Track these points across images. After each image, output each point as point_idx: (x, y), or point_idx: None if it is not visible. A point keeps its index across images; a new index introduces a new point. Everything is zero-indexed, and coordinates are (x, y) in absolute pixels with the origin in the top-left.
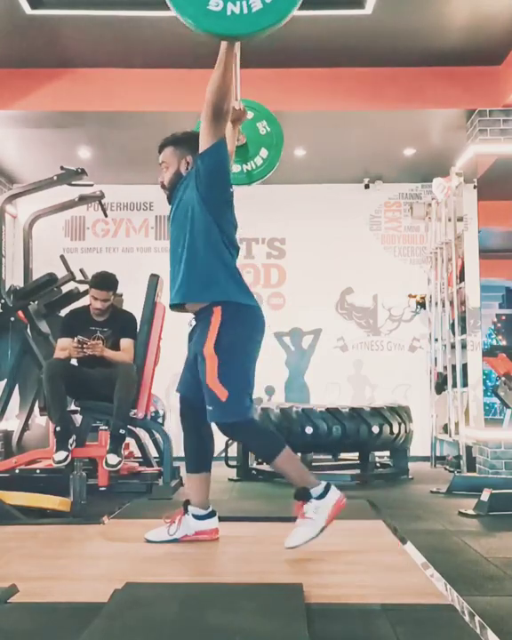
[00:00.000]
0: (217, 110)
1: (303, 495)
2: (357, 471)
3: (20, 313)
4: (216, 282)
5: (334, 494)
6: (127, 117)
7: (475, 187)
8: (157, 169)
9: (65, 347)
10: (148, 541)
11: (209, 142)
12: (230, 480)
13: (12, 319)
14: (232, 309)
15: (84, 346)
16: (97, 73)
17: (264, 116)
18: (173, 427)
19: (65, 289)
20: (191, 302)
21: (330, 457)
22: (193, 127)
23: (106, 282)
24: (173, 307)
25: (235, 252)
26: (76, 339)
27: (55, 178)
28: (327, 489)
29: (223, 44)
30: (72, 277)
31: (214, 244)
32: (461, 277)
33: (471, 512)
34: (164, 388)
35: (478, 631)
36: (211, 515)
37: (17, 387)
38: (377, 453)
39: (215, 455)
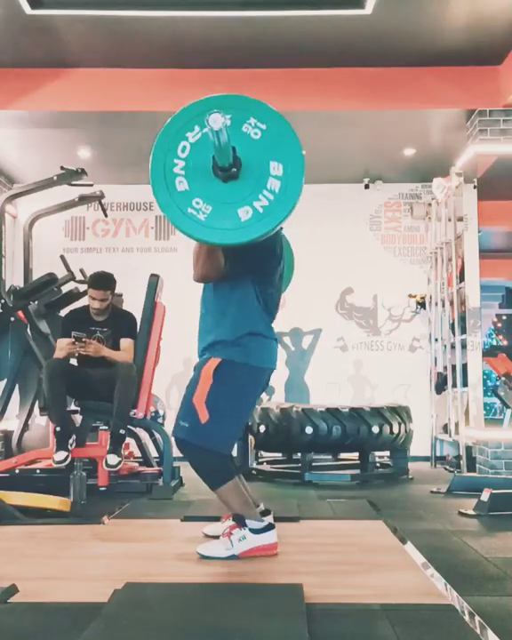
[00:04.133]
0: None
1: (239, 520)
2: (357, 471)
3: (20, 313)
4: (231, 343)
5: (268, 538)
6: (127, 117)
7: (475, 187)
8: None
9: (63, 346)
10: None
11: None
12: None
13: (12, 319)
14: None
15: (81, 341)
16: (97, 73)
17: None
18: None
19: (65, 289)
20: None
21: (330, 457)
22: None
23: (103, 281)
24: None
25: (270, 309)
26: (73, 335)
27: (55, 178)
28: (266, 529)
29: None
30: (72, 277)
31: (246, 305)
32: (461, 277)
33: (471, 512)
34: (164, 387)
35: (478, 631)
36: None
37: (17, 387)
38: (377, 453)
39: None
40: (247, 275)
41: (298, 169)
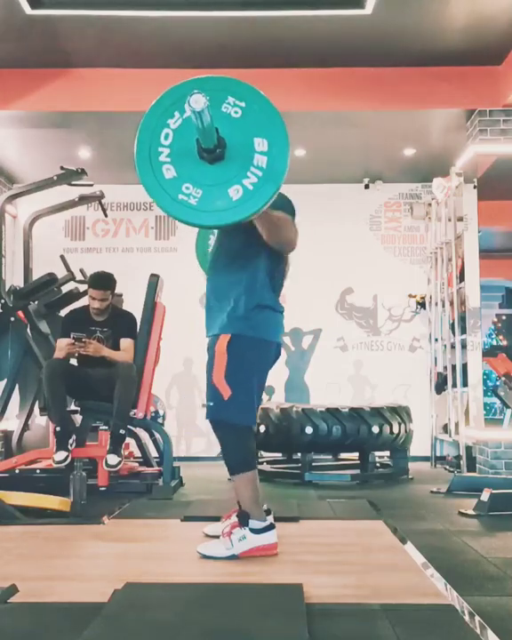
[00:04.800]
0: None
1: (243, 519)
2: (357, 471)
3: (20, 313)
4: (240, 317)
5: (268, 538)
6: (127, 117)
7: (475, 187)
8: None
9: (63, 347)
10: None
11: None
12: (230, 480)
13: (12, 319)
14: (241, 339)
15: (81, 342)
16: (97, 73)
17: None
18: (173, 427)
19: (65, 289)
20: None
21: (330, 457)
22: None
23: (103, 281)
24: None
25: (277, 283)
26: (72, 335)
27: (55, 178)
28: (267, 529)
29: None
30: (72, 277)
31: (255, 279)
32: (461, 277)
33: (471, 512)
34: (163, 387)
35: (478, 631)
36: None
37: (17, 387)
38: (377, 453)
39: (215, 455)
40: (262, 249)
41: (282, 142)
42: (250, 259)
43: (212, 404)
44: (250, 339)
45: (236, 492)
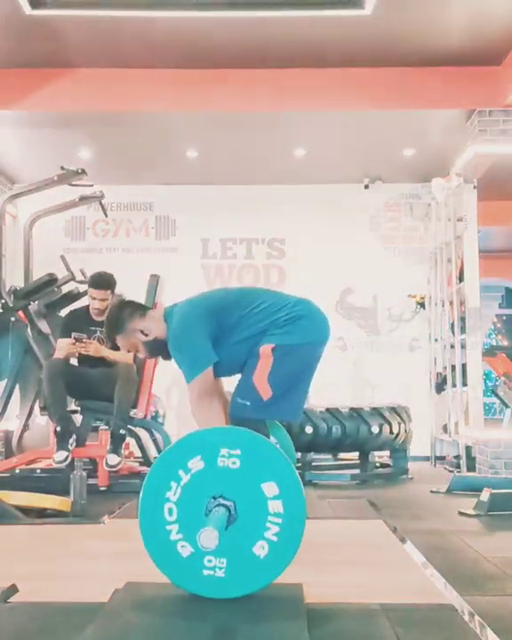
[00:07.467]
0: None
1: None
2: (357, 471)
3: (21, 313)
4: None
5: None
6: (127, 117)
7: (475, 187)
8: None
9: (64, 347)
10: None
11: None
12: None
13: (13, 319)
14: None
15: (81, 342)
16: (97, 73)
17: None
18: (173, 427)
19: (65, 289)
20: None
21: (330, 457)
22: (191, 126)
23: (103, 281)
24: None
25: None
26: (73, 335)
27: (55, 178)
28: None
29: None
30: (72, 277)
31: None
32: (461, 277)
33: (471, 512)
34: (163, 387)
35: (478, 631)
36: None
37: (17, 387)
38: (377, 453)
39: None
40: (222, 335)
41: (292, 479)
42: (227, 337)
43: (248, 403)
44: (295, 346)
45: None
